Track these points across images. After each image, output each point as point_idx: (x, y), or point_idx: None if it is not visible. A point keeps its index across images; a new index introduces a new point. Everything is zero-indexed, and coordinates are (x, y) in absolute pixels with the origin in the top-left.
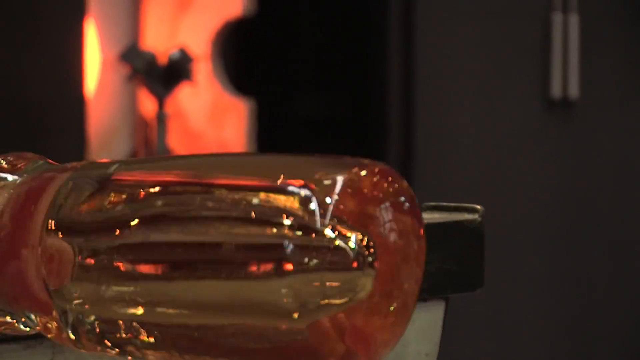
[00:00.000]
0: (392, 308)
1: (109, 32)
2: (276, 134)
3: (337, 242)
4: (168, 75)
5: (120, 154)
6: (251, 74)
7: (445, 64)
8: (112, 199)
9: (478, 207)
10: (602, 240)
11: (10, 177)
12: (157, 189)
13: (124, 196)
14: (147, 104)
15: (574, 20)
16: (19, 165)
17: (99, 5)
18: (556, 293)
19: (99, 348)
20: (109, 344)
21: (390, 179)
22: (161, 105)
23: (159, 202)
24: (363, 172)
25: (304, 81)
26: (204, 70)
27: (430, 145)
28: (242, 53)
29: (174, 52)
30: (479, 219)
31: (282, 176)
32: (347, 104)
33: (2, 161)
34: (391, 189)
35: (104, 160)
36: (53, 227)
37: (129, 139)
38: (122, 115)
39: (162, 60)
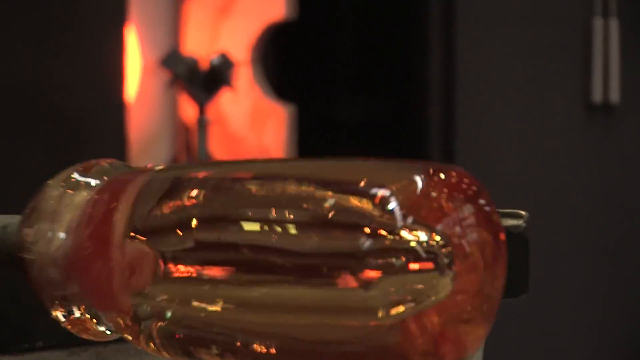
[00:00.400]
0: (474, 308)
1: (149, 37)
2: (316, 139)
3: (416, 244)
4: (209, 80)
5: (160, 160)
6: (291, 79)
7: (486, 68)
8: (192, 200)
9: (522, 212)
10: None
11: (92, 182)
12: (236, 189)
13: (203, 196)
14: (188, 109)
15: (614, 25)
16: (100, 170)
17: (139, 11)
18: (599, 300)
19: (170, 352)
20: (181, 348)
21: (467, 181)
22: (202, 110)
23: (238, 203)
24: (441, 175)
25: (344, 86)
26: (244, 75)
27: (471, 150)
28: (282, 58)
29: (214, 57)
30: (524, 224)
31: (362, 179)
32: (387, 109)
33: (84, 166)
34: (470, 192)
35: (180, 163)
36: (135, 229)
37: (169, 144)
38: (162, 121)
39: (203, 65)
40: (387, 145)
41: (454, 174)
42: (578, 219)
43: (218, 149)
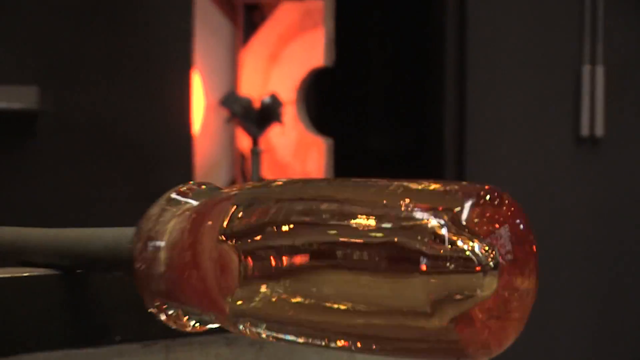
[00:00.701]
0: (513, 307)
1: (211, 81)
2: (351, 166)
3: (468, 252)
4: (261, 117)
5: (220, 184)
6: (329, 116)
7: (492, 108)
8: (269, 211)
9: None
10: (630, 263)
11: (192, 201)
12: (307, 204)
13: (277, 209)
14: (244, 141)
15: (600, 70)
16: (196, 192)
17: (203, 59)
18: (587, 320)
19: (256, 335)
20: (265, 332)
21: (508, 202)
22: (255, 142)
23: (308, 213)
24: (487, 196)
25: (373, 121)
26: (290, 113)
27: (478, 175)
28: (321, 98)
29: (265, 97)
30: None
31: (429, 199)
32: (410, 139)
33: (185, 188)
34: (509, 211)
35: (253, 182)
36: (224, 240)
37: (228, 170)
38: (222, 151)
39: (256, 104)
40: (410, 169)
41: (498, 195)
42: (567, 240)
43: (268, 174)
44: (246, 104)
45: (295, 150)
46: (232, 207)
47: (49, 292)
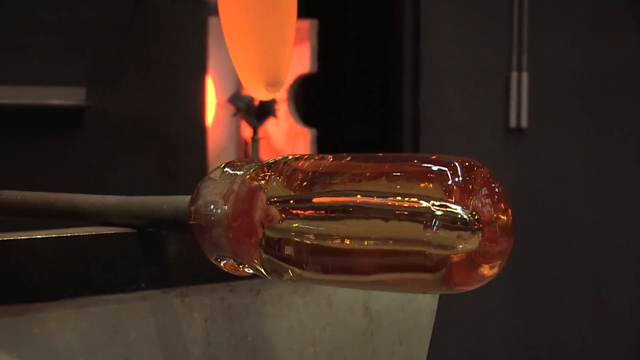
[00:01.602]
0: (492, 256)
1: (221, 83)
2: (331, 152)
3: (460, 214)
4: (260, 112)
5: None
6: (314, 112)
7: (440, 106)
8: (306, 179)
9: None
10: (546, 240)
11: (239, 172)
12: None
13: (310, 177)
14: (247, 131)
15: (525, 76)
16: (244, 164)
17: (214, 66)
18: (512, 313)
19: (277, 274)
20: (287, 266)
21: (484, 169)
22: (255, 132)
23: (335, 181)
24: (470, 165)
25: (348, 116)
26: (283, 109)
27: None
28: (307, 97)
29: None
30: None
31: (428, 168)
32: (376, 131)
33: (235, 162)
34: (488, 178)
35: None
36: (270, 198)
37: (234, 154)
38: (230, 139)
39: (256, 102)
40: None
41: (476, 165)
42: None
43: (265, 157)
44: (248, 102)
45: (287, 139)
46: (276, 174)
47: (88, 249)
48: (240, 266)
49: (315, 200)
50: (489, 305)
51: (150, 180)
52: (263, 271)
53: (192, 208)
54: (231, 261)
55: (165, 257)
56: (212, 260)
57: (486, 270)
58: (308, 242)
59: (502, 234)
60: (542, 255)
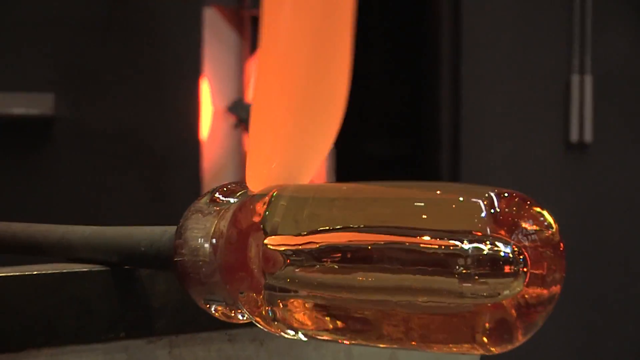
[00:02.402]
0: (538, 303)
1: (219, 88)
2: (351, 170)
3: (499, 252)
4: None
5: None
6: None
7: (486, 115)
8: (310, 213)
9: None
10: (612, 270)
11: (232, 200)
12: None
13: (314, 213)
14: None
15: (588, 79)
16: (238, 190)
17: (211, 67)
18: (573, 320)
19: (283, 327)
20: (296, 319)
21: (528, 202)
22: None
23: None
24: (507, 196)
25: (374, 129)
26: None
27: (473, 180)
28: None
29: None
30: None
31: (459, 200)
32: (407, 148)
33: (228, 187)
34: (532, 210)
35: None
36: (268, 232)
37: (235, 173)
38: (229, 155)
39: None
40: (407, 173)
41: (515, 195)
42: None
43: None
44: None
45: None
46: (275, 206)
47: (57, 290)
48: (233, 312)
49: (324, 241)
50: (545, 346)
51: (132, 205)
52: (262, 322)
53: (177, 242)
54: (223, 306)
55: (150, 299)
56: (200, 304)
57: (528, 324)
58: (318, 294)
59: (550, 276)
60: (607, 287)
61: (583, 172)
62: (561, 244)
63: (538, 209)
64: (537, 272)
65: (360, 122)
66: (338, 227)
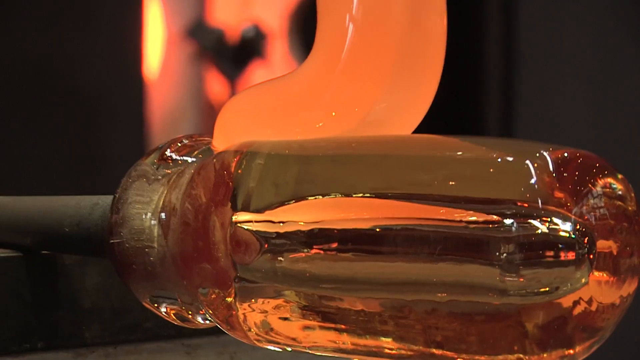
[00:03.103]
0: (611, 298)
1: (173, 5)
2: None
3: (556, 232)
4: (239, 53)
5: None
6: None
7: (543, 116)
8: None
9: None
10: None
11: (189, 159)
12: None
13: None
14: (216, 85)
15: None
16: (198, 146)
17: None
18: None
19: (259, 325)
20: (275, 316)
21: (597, 164)
22: (232, 86)
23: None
24: (567, 156)
25: None
26: (279, 48)
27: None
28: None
29: (246, 27)
30: None
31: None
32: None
33: (181, 143)
34: (601, 174)
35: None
36: (241, 210)
37: (195, 124)
38: (187, 98)
39: (233, 36)
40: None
41: (580, 154)
42: None
43: None
44: (219, 36)
45: None
46: (246, 173)
47: None
48: (191, 314)
49: (316, 216)
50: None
51: (54, 166)
52: (232, 328)
53: (114, 219)
54: (177, 305)
55: (79, 297)
56: (145, 302)
57: (596, 326)
58: (308, 293)
59: (625, 263)
60: None
61: None
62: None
63: (609, 173)
64: (607, 258)
65: None
66: (335, 194)
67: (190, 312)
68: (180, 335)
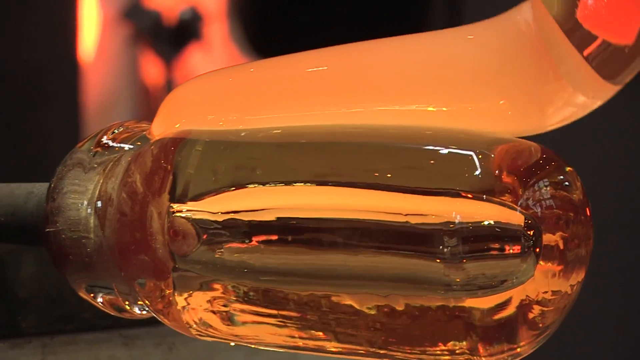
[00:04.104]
0: (553, 294)
1: None
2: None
3: (501, 224)
4: (176, 35)
5: None
6: (272, 34)
7: None
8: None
9: None
10: None
11: (126, 147)
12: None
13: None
14: (153, 68)
15: None
16: (135, 133)
17: None
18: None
19: (198, 318)
20: (215, 310)
21: (544, 155)
22: (169, 69)
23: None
24: (518, 152)
25: (328, 42)
26: (218, 30)
27: None
28: (263, 10)
29: (183, 9)
30: None
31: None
32: None
33: (118, 130)
34: (548, 166)
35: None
36: (179, 199)
37: (130, 107)
38: (123, 81)
39: (170, 18)
40: None
41: (529, 147)
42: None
43: None
44: (156, 18)
45: None
46: (186, 158)
47: None
48: (128, 304)
49: (256, 204)
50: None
51: None
52: (171, 319)
53: (49, 208)
54: (113, 295)
55: (14, 287)
56: (81, 292)
57: (544, 321)
58: (248, 285)
59: (572, 255)
60: None
61: None
62: (587, 210)
63: (556, 165)
64: (553, 250)
65: (315, 28)
66: (276, 182)
67: (127, 303)
68: (118, 326)
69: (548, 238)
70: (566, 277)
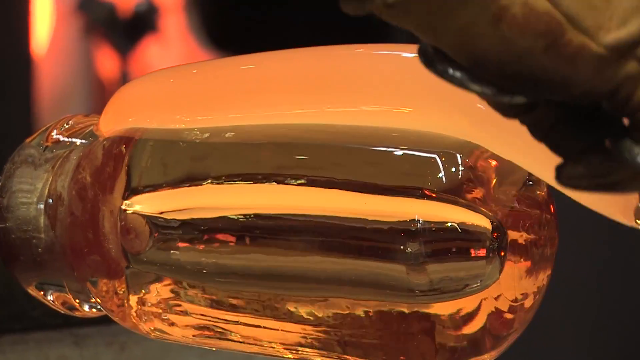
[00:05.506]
0: (521, 294)
1: None
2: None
3: (465, 226)
4: (132, 28)
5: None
6: (230, 26)
7: None
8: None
9: None
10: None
11: (78, 141)
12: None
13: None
14: (107, 61)
15: None
16: (85, 128)
17: None
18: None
19: (152, 318)
20: (167, 311)
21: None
22: (124, 62)
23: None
24: (482, 154)
25: (290, 35)
26: (175, 22)
27: None
28: (220, 2)
29: (139, 1)
30: None
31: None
32: None
33: (68, 124)
34: (512, 166)
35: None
36: (130, 196)
37: (85, 101)
38: (77, 74)
39: (125, 10)
40: None
41: (486, 157)
42: None
43: None
44: (110, 9)
45: None
46: (141, 155)
47: None
48: (78, 301)
49: (207, 201)
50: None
51: None
52: (123, 318)
53: (3, 206)
54: (64, 293)
55: None
56: (31, 289)
57: (512, 323)
58: (200, 284)
59: (537, 255)
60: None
61: None
62: (552, 207)
63: (520, 167)
64: (518, 250)
65: (272, 24)
66: (234, 179)
67: (78, 301)
68: (69, 325)
69: (513, 238)
70: (531, 277)
